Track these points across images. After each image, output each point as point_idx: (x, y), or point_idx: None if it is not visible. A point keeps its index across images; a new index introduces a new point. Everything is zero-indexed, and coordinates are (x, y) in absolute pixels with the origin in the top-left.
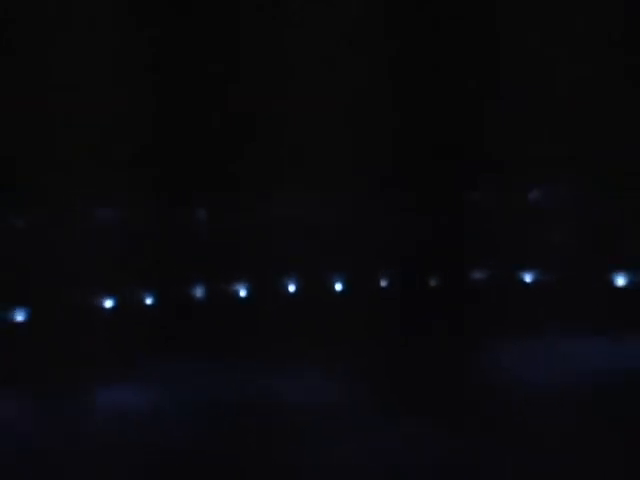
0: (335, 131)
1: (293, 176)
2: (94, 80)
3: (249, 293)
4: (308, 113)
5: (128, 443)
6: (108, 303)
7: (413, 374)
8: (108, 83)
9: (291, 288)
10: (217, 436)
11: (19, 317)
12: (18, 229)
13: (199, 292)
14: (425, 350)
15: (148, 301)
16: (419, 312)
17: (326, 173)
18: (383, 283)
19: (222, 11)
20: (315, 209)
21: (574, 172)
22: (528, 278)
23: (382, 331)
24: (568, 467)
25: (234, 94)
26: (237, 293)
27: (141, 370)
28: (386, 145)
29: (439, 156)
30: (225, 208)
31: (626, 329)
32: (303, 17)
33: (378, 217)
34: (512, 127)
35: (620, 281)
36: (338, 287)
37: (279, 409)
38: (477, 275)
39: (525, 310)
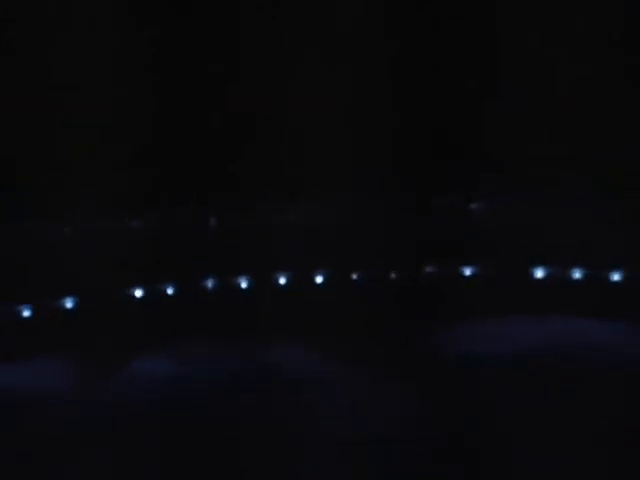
0: (335, 131)
1: (293, 176)
2: (94, 80)
3: (250, 285)
4: (308, 113)
5: (158, 400)
6: (138, 293)
7: (390, 349)
8: (108, 83)
9: (282, 281)
10: (226, 397)
11: (69, 304)
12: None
13: (210, 284)
14: (400, 329)
15: (170, 291)
16: (395, 300)
17: (326, 173)
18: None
19: (222, 11)
20: (314, 209)
21: (574, 172)
22: (468, 271)
23: (364, 316)
24: (501, 410)
25: (234, 94)
26: (240, 285)
27: (168, 347)
28: (386, 145)
29: (439, 156)
30: (225, 208)
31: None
32: (303, 17)
33: (375, 216)
34: (512, 127)
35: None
36: (321, 279)
37: (276, 376)
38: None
39: (481, 299)
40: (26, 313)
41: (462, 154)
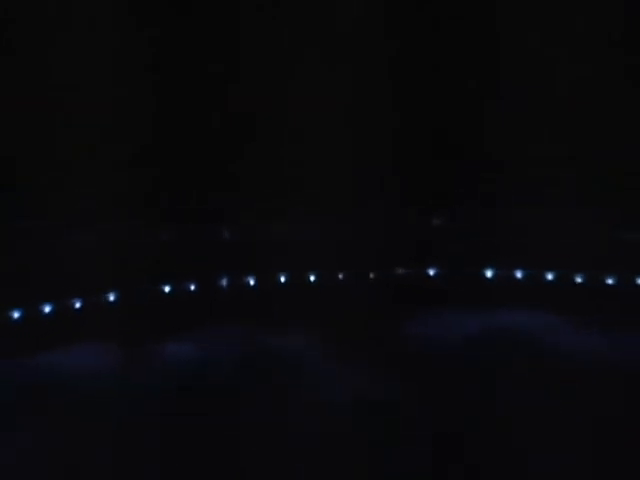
0: (335, 131)
1: (293, 175)
2: (94, 80)
3: (256, 283)
4: (307, 113)
5: (185, 376)
6: (167, 289)
7: (370, 335)
8: (108, 83)
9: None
10: (238, 371)
11: (111, 298)
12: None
13: (224, 282)
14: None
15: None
16: (372, 295)
17: (326, 172)
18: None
19: (222, 11)
20: (314, 206)
21: (574, 172)
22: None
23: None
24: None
25: (234, 94)
26: (249, 283)
27: (191, 333)
28: (386, 145)
29: (439, 156)
30: (225, 208)
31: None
32: (303, 17)
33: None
34: (512, 127)
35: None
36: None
37: (278, 355)
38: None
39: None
40: (77, 305)
41: (462, 154)
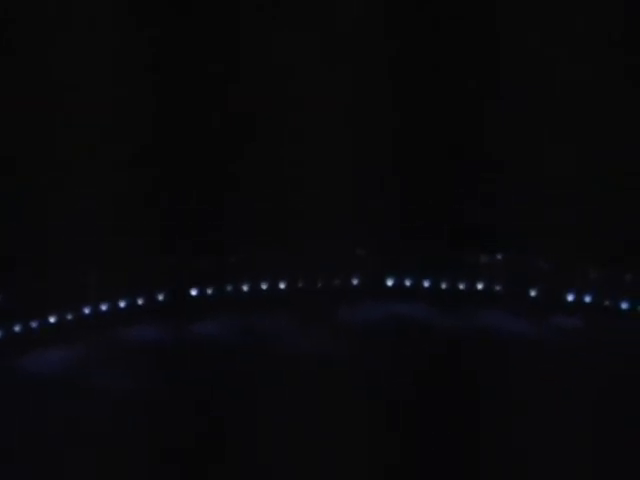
0: (334, 131)
1: (293, 174)
2: (94, 80)
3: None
4: (307, 113)
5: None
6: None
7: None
8: (108, 83)
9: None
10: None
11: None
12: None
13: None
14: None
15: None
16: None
17: (325, 172)
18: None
19: (222, 11)
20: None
21: (574, 172)
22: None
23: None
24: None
25: (234, 94)
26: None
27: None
28: (386, 145)
29: (439, 156)
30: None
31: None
32: (303, 17)
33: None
34: (512, 127)
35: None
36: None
37: (270, 344)
38: None
39: None
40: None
41: (462, 154)
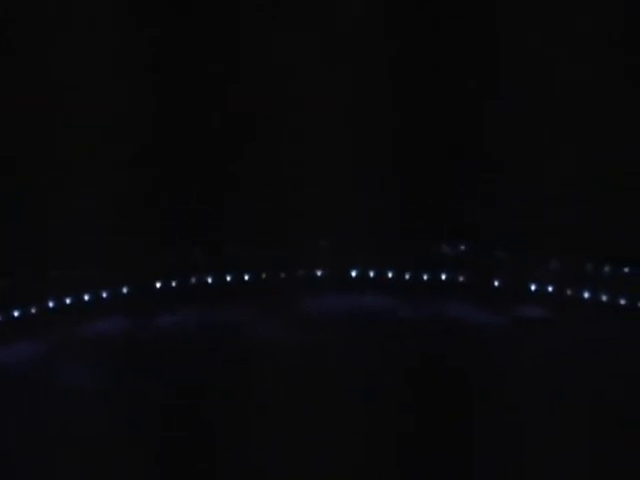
0: (334, 130)
1: (292, 174)
2: (94, 80)
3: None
4: (307, 113)
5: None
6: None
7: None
8: (108, 83)
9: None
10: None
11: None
12: None
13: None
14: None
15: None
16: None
17: (325, 172)
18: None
19: (222, 11)
20: (313, 206)
21: (574, 172)
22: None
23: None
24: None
25: (234, 94)
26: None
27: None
28: (386, 145)
29: (439, 156)
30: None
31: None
32: (303, 17)
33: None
34: (512, 127)
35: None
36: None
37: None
38: None
39: None
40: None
41: (462, 154)
